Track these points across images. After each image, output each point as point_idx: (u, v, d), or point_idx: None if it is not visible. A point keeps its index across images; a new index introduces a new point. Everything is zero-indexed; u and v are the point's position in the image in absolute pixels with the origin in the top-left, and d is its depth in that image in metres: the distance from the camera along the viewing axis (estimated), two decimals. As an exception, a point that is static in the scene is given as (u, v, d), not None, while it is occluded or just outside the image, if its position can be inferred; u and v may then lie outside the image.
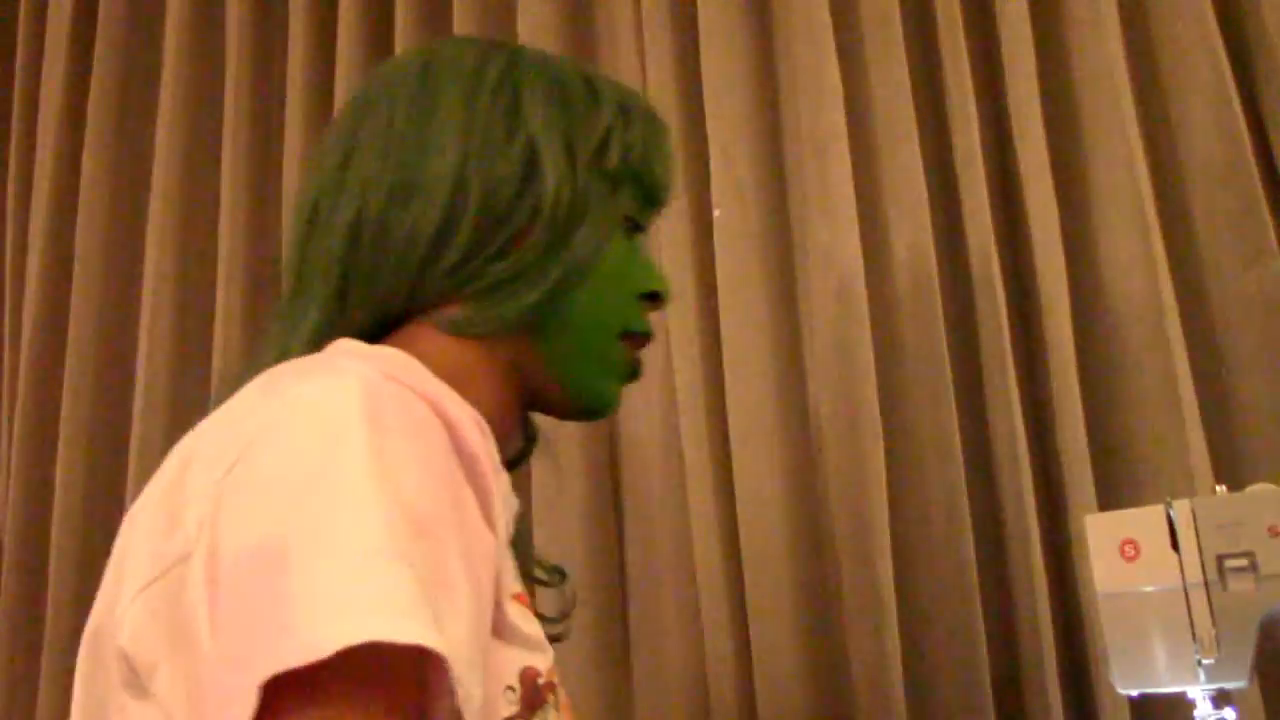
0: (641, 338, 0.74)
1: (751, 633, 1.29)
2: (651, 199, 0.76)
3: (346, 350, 0.63)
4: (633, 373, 0.75)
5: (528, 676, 0.57)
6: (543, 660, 0.59)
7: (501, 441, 0.67)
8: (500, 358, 0.69)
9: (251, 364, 0.64)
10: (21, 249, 1.81)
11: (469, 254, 0.67)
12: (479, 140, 0.69)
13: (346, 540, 0.45)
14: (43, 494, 1.66)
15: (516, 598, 0.60)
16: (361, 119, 0.71)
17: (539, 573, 0.80)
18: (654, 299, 0.75)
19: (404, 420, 0.51)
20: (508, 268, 0.67)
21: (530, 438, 0.82)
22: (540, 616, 0.74)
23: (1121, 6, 1.34)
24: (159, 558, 0.52)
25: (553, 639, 0.75)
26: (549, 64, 0.74)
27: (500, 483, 0.62)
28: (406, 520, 0.47)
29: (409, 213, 0.67)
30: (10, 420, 1.73)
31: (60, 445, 1.66)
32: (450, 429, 0.54)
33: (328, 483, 0.47)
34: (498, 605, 0.56)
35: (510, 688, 0.56)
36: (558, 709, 0.59)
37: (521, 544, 0.76)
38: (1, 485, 1.72)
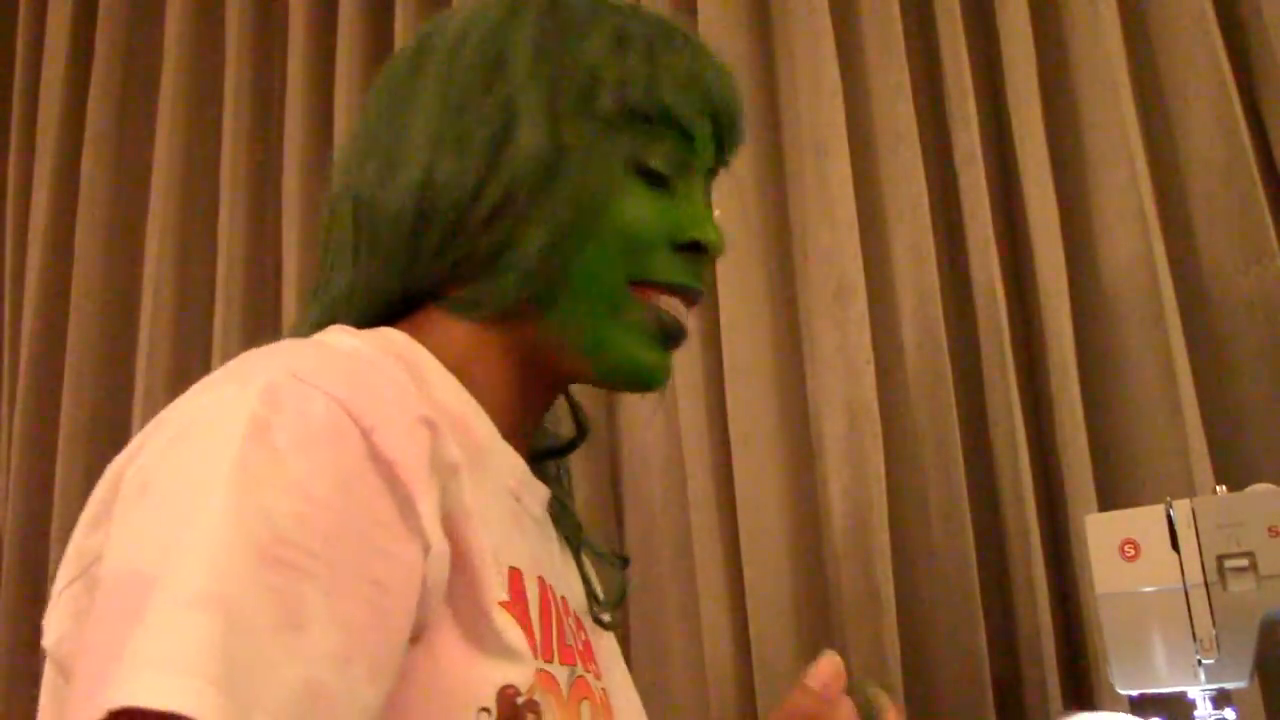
0: (667, 288, 0.64)
1: (751, 633, 1.29)
2: (685, 134, 0.65)
3: (326, 335, 0.61)
4: (665, 330, 0.65)
5: (505, 697, 0.52)
6: (522, 675, 0.54)
7: (519, 427, 0.65)
8: (518, 338, 0.64)
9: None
10: (21, 249, 1.81)
11: (453, 229, 0.62)
12: (456, 104, 0.64)
13: (176, 581, 0.42)
14: (43, 494, 1.66)
15: (505, 605, 0.55)
16: (371, 99, 0.69)
17: (595, 554, 0.76)
18: (695, 249, 0.65)
19: (297, 435, 0.47)
20: (495, 238, 0.62)
21: (581, 425, 0.76)
22: (595, 600, 0.73)
23: (1121, 6, 1.34)
24: (81, 555, 0.51)
25: (605, 626, 0.74)
26: (561, 3, 0.66)
27: (494, 475, 0.61)
28: (257, 553, 0.43)
29: (391, 191, 0.63)
30: (10, 420, 1.73)
31: (60, 445, 1.66)
32: (367, 434, 0.48)
33: (187, 509, 0.44)
34: (480, 614, 0.52)
35: (485, 709, 0.51)
36: None
37: (567, 531, 0.73)
38: (1, 485, 1.72)
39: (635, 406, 1.43)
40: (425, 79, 0.66)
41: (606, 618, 0.74)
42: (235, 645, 0.41)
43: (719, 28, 1.46)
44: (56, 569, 1.69)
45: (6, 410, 1.76)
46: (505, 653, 0.53)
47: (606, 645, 0.75)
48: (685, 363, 1.39)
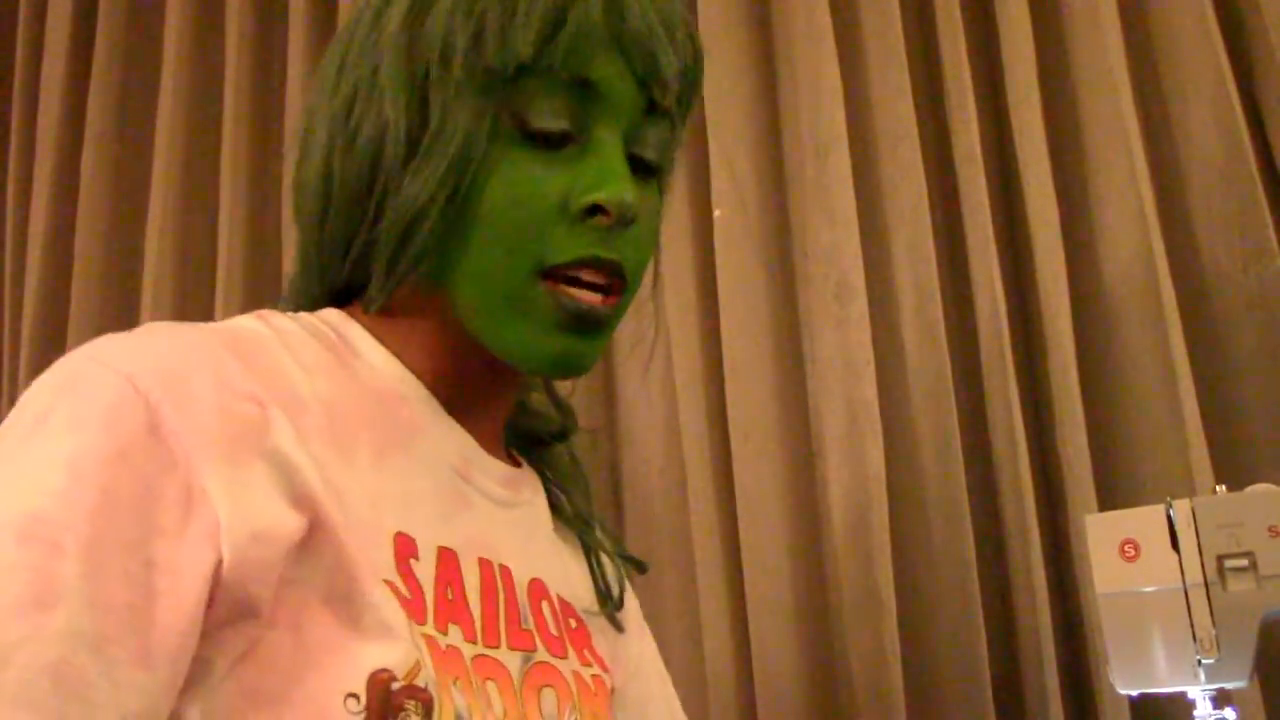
0: (571, 268, 0.57)
1: (751, 633, 1.29)
2: (579, 81, 0.56)
3: (241, 318, 0.59)
4: (575, 319, 0.57)
5: (377, 681, 0.48)
6: (402, 657, 0.49)
7: (467, 405, 0.62)
8: (437, 322, 0.60)
9: None
10: (21, 249, 1.81)
11: (347, 221, 0.59)
12: (348, 88, 0.60)
13: None
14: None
15: (388, 584, 0.51)
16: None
17: (604, 557, 0.73)
18: (594, 213, 0.56)
19: (74, 416, 0.47)
20: (379, 227, 0.57)
21: (564, 414, 0.72)
22: (607, 597, 0.71)
23: (1121, 6, 1.34)
24: None
25: (612, 622, 0.71)
26: None
27: (427, 451, 0.59)
28: (13, 532, 0.43)
29: (304, 186, 0.61)
30: (10, 420, 1.73)
31: (60, 445, 1.65)
32: (153, 408, 0.47)
33: None
34: (354, 591, 0.49)
35: (353, 695, 0.47)
36: (425, 716, 0.49)
37: (574, 525, 0.71)
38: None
39: (636, 407, 1.43)
40: (331, 61, 0.62)
41: (618, 617, 0.72)
42: None
43: (719, 28, 1.46)
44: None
45: (6, 410, 1.75)
46: (387, 635, 0.49)
47: (636, 649, 0.74)
48: (685, 362, 1.39)
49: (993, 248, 1.31)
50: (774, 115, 1.47)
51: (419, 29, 0.57)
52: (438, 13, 0.57)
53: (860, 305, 1.33)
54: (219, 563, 0.46)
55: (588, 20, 0.55)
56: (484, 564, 0.59)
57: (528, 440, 0.71)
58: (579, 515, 0.71)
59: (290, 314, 0.60)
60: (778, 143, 1.46)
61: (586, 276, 0.57)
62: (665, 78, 0.58)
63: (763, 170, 1.44)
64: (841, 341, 1.33)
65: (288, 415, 0.51)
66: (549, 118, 0.56)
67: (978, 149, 1.34)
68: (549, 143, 0.57)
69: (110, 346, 0.50)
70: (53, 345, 1.73)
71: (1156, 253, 1.25)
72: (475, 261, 0.56)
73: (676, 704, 0.76)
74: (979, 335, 1.32)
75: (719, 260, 1.40)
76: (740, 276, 1.39)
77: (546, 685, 0.59)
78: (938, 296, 1.32)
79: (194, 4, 1.79)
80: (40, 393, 0.49)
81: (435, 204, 0.55)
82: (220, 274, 1.65)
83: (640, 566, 0.75)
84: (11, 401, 1.66)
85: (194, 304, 1.70)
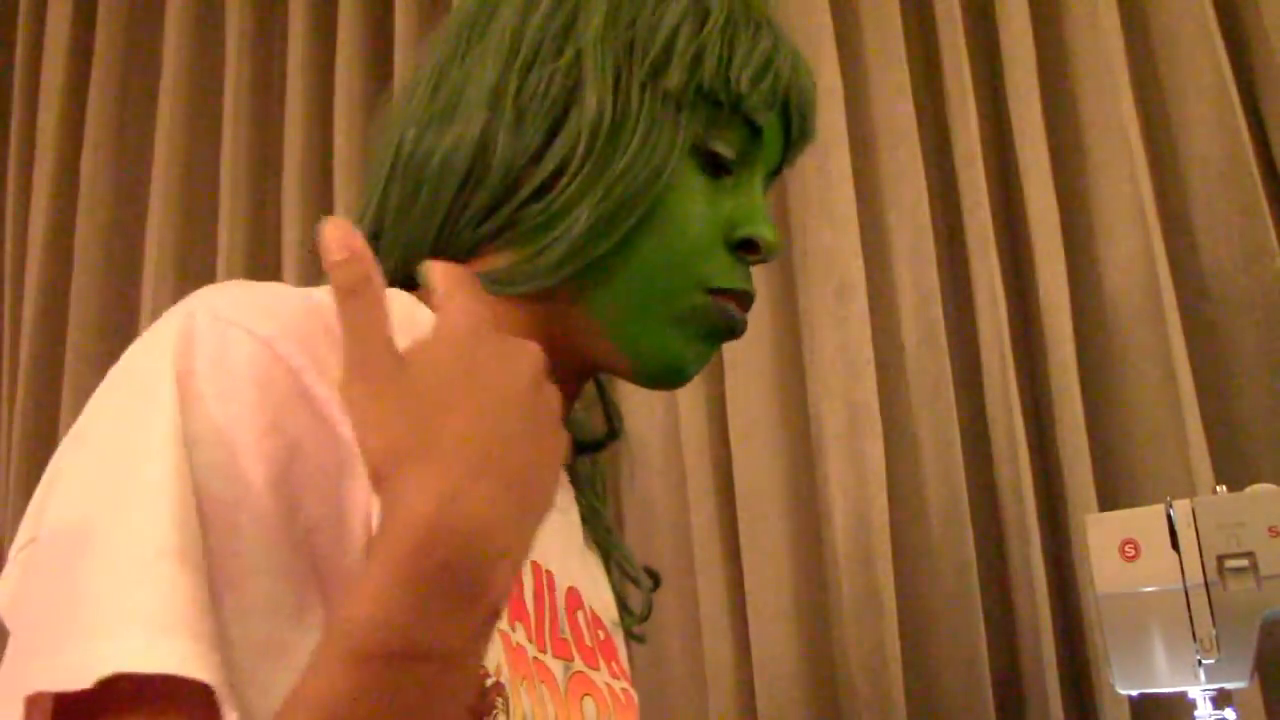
0: (731, 294, 0.61)
1: (751, 633, 1.29)
2: (751, 124, 0.61)
3: (306, 288, 0.56)
4: (728, 330, 0.61)
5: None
6: (491, 657, 0.50)
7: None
8: (544, 318, 0.60)
9: None
10: (21, 249, 1.81)
11: (501, 194, 0.58)
12: (522, 60, 0.59)
13: (131, 536, 0.41)
14: (43, 494, 1.66)
15: None
16: (430, 50, 0.64)
17: (626, 568, 0.73)
18: (748, 248, 0.61)
19: (217, 376, 0.45)
20: (542, 210, 0.57)
21: (612, 423, 0.74)
22: (626, 612, 0.71)
23: (1121, 6, 1.34)
24: (37, 514, 0.48)
25: (633, 637, 0.72)
26: None
27: None
28: (200, 502, 0.42)
29: (442, 144, 0.59)
30: (10, 420, 1.73)
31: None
32: (296, 376, 0.46)
33: (126, 459, 0.43)
34: None
35: None
36: (509, 713, 0.50)
37: (597, 536, 0.71)
38: (2, 485, 1.72)
39: (636, 407, 1.43)
40: (496, 27, 0.61)
41: (637, 630, 0.72)
42: (201, 598, 0.40)
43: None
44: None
45: (6, 410, 1.75)
46: None
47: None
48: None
49: (993, 248, 1.31)
50: (774, 115, 1.46)
51: (638, 27, 0.59)
52: (661, 16, 0.59)
53: (860, 305, 1.33)
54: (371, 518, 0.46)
55: (782, 74, 0.61)
56: (535, 567, 0.59)
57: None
58: (607, 526, 0.72)
59: None
60: (778, 143, 1.45)
61: (734, 304, 0.61)
62: (804, 144, 0.66)
63: (763, 170, 1.44)
64: (841, 341, 1.33)
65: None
66: (724, 146, 0.60)
67: (978, 149, 1.34)
68: (712, 168, 0.61)
69: (238, 306, 0.48)
70: (53, 345, 1.73)
71: (1156, 253, 1.25)
72: (641, 267, 0.58)
73: None
74: (979, 335, 1.32)
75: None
76: (740, 276, 1.39)
77: (586, 694, 0.60)
78: (938, 296, 1.32)
79: (194, 4, 1.79)
80: (155, 357, 0.46)
81: (630, 207, 0.57)
82: (220, 274, 1.65)
83: (656, 580, 0.75)
84: (12, 401, 1.64)
85: (194, 304, 1.69)
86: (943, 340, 1.31)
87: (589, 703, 0.60)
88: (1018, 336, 1.32)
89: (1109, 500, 1.23)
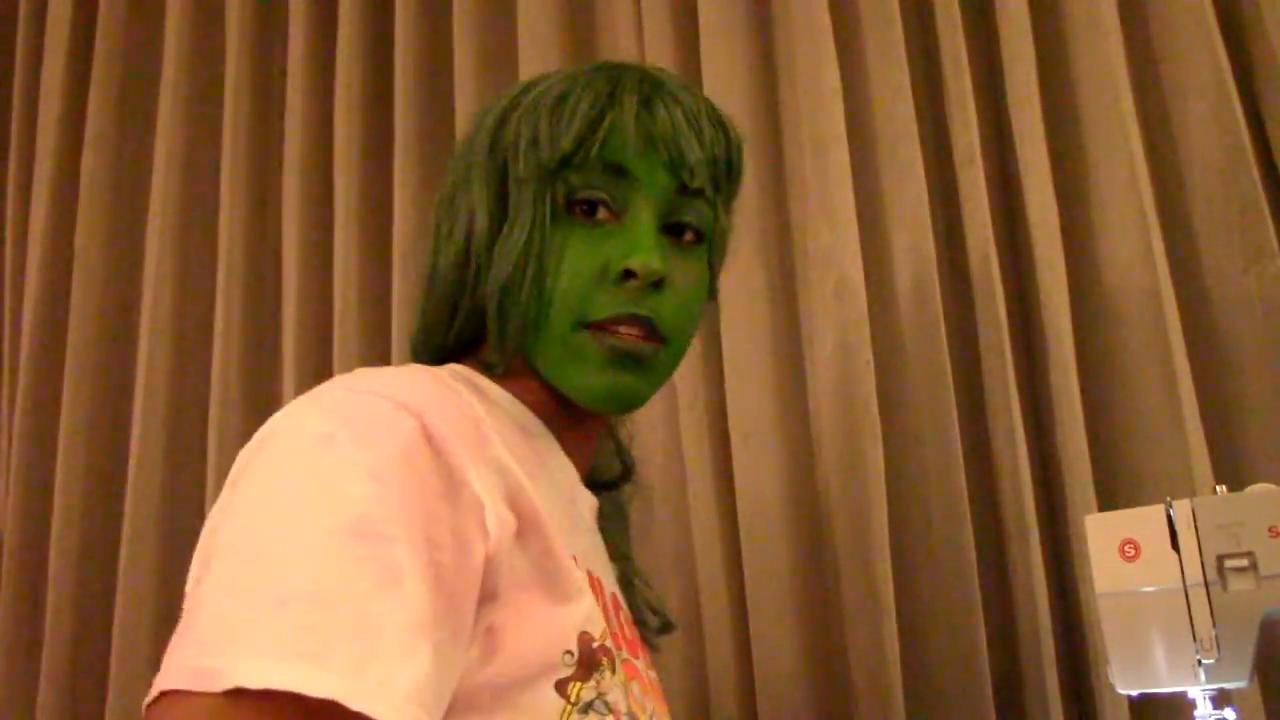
0: (613, 321, 0.69)
1: (751, 633, 1.29)
2: (611, 166, 0.70)
3: (398, 367, 0.70)
4: (619, 354, 0.69)
5: (584, 640, 0.60)
6: (595, 620, 0.63)
7: (568, 441, 0.74)
8: (536, 377, 0.73)
9: None
10: (21, 249, 1.81)
11: (453, 305, 0.74)
12: (452, 194, 0.76)
13: (284, 574, 0.50)
14: (43, 494, 1.66)
15: (576, 559, 0.64)
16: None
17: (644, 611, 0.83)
18: (628, 277, 0.69)
19: (358, 433, 0.56)
20: (483, 307, 0.72)
21: (625, 463, 0.89)
22: (640, 624, 0.80)
23: (1121, 6, 1.34)
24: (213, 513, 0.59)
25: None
26: (527, 91, 0.75)
27: (554, 474, 0.70)
28: (348, 534, 0.51)
29: (428, 269, 0.77)
30: (10, 420, 1.73)
31: (60, 445, 1.66)
32: (419, 417, 0.58)
33: (277, 509, 0.53)
34: (556, 567, 0.61)
35: (569, 651, 0.59)
36: (614, 669, 0.62)
37: (618, 562, 0.81)
38: (1, 485, 1.72)
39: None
40: (448, 170, 0.77)
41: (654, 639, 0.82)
42: (336, 622, 0.49)
43: (719, 28, 1.46)
44: (57, 569, 1.68)
45: (6, 410, 1.76)
46: (580, 597, 0.62)
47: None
48: (685, 362, 1.38)
49: (993, 248, 1.31)
50: (774, 115, 1.47)
51: (499, 136, 0.73)
52: (512, 121, 0.72)
53: (860, 305, 1.33)
54: (487, 547, 0.57)
55: (621, 120, 0.69)
56: (589, 575, 0.68)
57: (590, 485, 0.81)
58: (623, 553, 0.83)
59: (422, 367, 0.69)
60: (777, 142, 1.46)
61: (624, 329, 0.69)
62: (690, 164, 0.71)
63: (762, 170, 1.44)
64: (841, 341, 1.33)
65: (493, 433, 0.62)
66: (587, 192, 0.70)
67: (978, 149, 1.34)
68: (593, 219, 0.70)
69: (357, 380, 0.61)
70: (53, 345, 1.73)
71: (1156, 253, 1.25)
72: (539, 320, 0.70)
73: None
74: (979, 336, 1.32)
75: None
76: (740, 276, 1.39)
77: (634, 679, 0.68)
78: (938, 296, 1.32)
79: (194, 4, 1.80)
80: (309, 418, 0.58)
81: (517, 280, 0.69)
82: (220, 274, 1.65)
83: (665, 626, 0.85)
84: (12, 401, 1.64)
85: (194, 304, 1.70)
86: (943, 340, 1.31)
87: (635, 686, 0.68)
88: (1018, 336, 1.32)
89: (1109, 500, 1.23)
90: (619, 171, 0.70)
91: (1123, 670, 0.93)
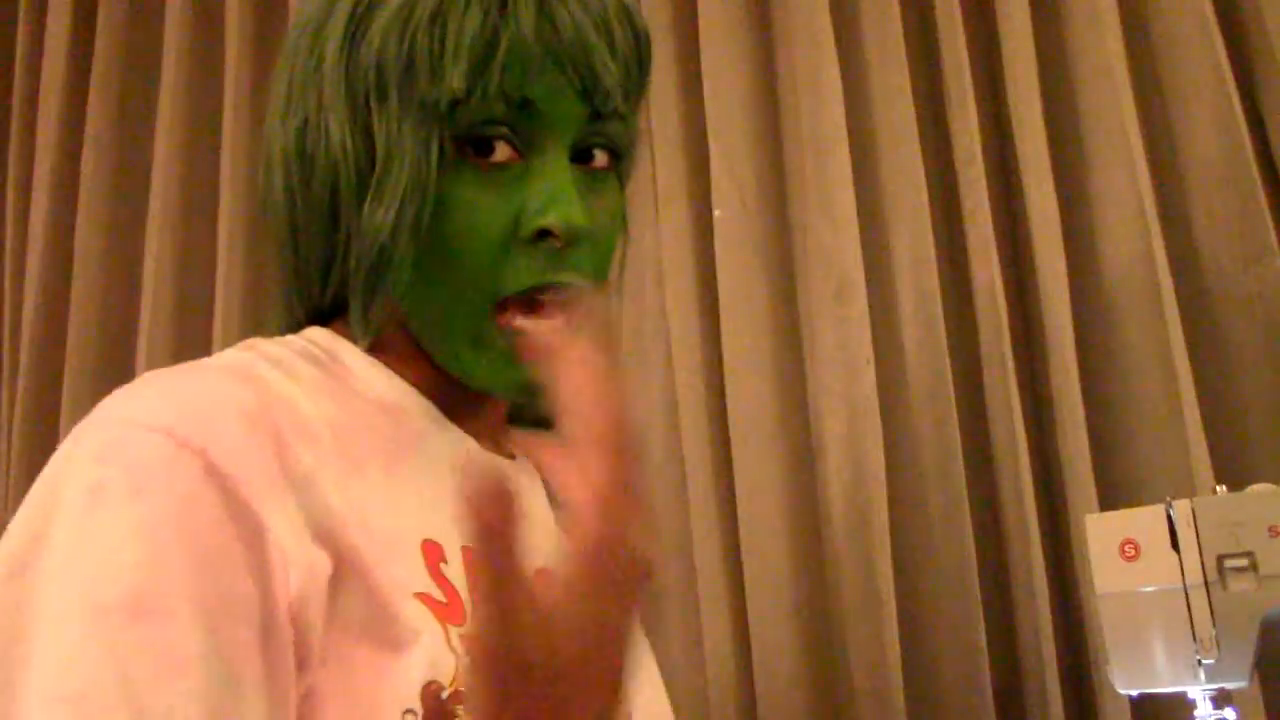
0: (525, 298, 0.56)
1: (751, 633, 1.29)
2: (503, 98, 0.54)
3: (232, 349, 0.59)
4: (518, 356, 0.56)
5: (429, 693, 0.50)
6: (444, 665, 0.50)
7: (463, 404, 0.61)
8: (409, 347, 0.60)
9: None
10: (21, 249, 1.81)
11: (320, 249, 0.59)
12: (297, 118, 0.59)
13: (35, 676, 0.43)
14: (43, 494, 1.66)
15: (420, 596, 0.51)
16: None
17: None
18: (544, 236, 0.55)
19: (135, 479, 0.46)
20: (343, 261, 0.58)
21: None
22: None
23: (1121, 6, 1.34)
24: None
25: None
26: None
27: (433, 455, 0.58)
28: (121, 609, 0.43)
29: (269, 211, 0.62)
30: (10, 420, 1.73)
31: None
32: (201, 454, 0.47)
33: (38, 581, 0.45)
34: (387, 614, 0.50)
35: (410, 711, 0.49)
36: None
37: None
38: (1, 485, 1.72)
39: (635, 406, 1.42)
40: (279, 82, 0.61)
41: None
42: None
43: (719, 28, 1.46)
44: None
45: (6, 410, 1.75)
46: (424, 647, 0.50)
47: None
48: (685, 362, 1.39)
49: (993, 248, 1.31)
50: (774, 115, 1.47)
51: (355, 57, 0.56)
52: (370, 39, 0.55)
53: (860, 305, 1.33)
54: (291, 598, 0.47)
55: (520, 41, 0.54)
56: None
57: (534, 424, 0.69)
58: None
59: (277, 339, 0.60)
60: (778, 143, 1.46)
61: (543, 298, 0.56)
62: (606, 87, 0.56)
63: (763, 170, 1.44)
64: (841, 341, 1.33)
65: (303, 442, 0.51)
66: (484, 128, 0.55)
67: (978, 149, 1.34)
68: (495, 165, 0.56)
69: (131, 404, 0.50)
70: (53, 345, 1.73)
71: (1156, 252, 1.25)
72: (435, 296, 0.56)
73: (660, 697, 0.75)
74: (979, 335, 1.32)
75: (719, 260, 1.40)
76: (740, 276, 1.39)
77: None
78: (938, 296, 1.32)
79: (194, 4, 1.79)
80: (80, 465, 0.48)
81: (399, 239, 0.55)
82: (220, 274, 1.65)
83: None
84: (12, 401, 1.64)
85: (194, 304, 1.69)
86: (943, 340, 1.31)
87: None
88: (1018, 336, 1.32)
89: (1109, 500, 1.23)
90: (524, 105, 0.55)
91: (1123, 670, 0.93)
